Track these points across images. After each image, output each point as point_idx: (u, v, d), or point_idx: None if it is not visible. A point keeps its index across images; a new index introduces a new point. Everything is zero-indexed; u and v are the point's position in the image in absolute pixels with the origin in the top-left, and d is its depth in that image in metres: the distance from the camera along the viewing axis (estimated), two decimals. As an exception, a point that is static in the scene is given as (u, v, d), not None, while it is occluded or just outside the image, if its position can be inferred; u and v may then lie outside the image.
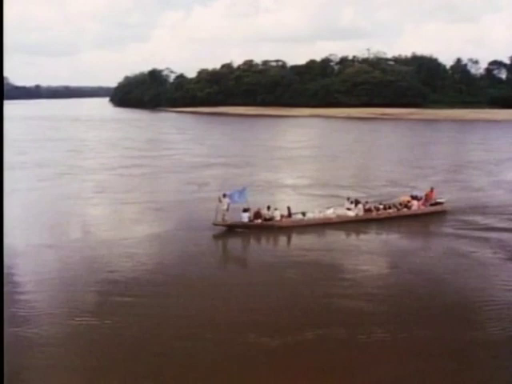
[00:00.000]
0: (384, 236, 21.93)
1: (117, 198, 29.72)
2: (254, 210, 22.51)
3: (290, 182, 34.56)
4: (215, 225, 21.83)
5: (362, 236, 21.94)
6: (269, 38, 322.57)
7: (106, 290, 15.57)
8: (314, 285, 16.00)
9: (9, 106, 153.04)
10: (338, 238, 21.62)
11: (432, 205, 25.47)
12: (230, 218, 22.22)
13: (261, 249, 20.91)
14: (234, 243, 21.59)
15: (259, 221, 22.29)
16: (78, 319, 13.66)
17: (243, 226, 22.17)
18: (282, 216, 22.60)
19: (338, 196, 27.56)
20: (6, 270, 17.14)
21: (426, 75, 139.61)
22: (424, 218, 24.62)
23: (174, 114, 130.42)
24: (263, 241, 21.44)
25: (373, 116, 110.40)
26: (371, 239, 21.69)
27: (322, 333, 12.78)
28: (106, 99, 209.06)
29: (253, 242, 21.45)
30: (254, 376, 11.15)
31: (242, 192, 22.38)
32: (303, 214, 22.89)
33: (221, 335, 12.66)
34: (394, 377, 11.10)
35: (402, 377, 11.14)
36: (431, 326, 13.19)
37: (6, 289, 14.96)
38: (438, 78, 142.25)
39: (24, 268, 17.80)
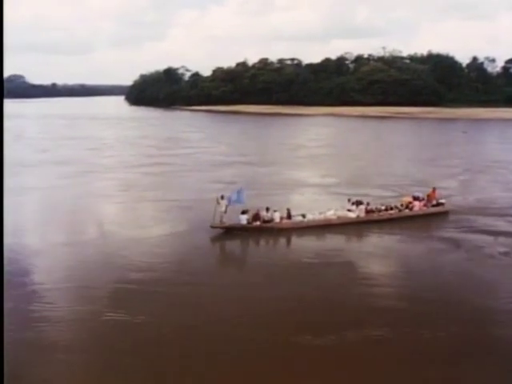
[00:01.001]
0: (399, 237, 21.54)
1: (141, 197, 29.69)
2: (252, 211, 21.97)
3: (317, 180, 34.24)
4: (213, 227, 21.31)
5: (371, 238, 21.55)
6: (284, 37, 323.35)
7: (131, 287, 15.58)
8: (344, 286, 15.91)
9: (26, 104, 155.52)
10: (345, 240, 21.28)
11: (434, 205, 25.08)
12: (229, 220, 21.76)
13: (272, 250, 20.69)
14: (237, 245, 21.26)
15: (258, 223, 21.73)
16: (109, 315, 13.74)
17: (242, 228, 21.55)
18: (281, 218, 22.07)
19: (368, 195, 27.08)
20: (30, 268, 17.51)
21: (441, 73, 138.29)
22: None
23: (189, 113, 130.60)
24: (268, 242, 21.08)
25: (388, 115, 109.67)
26: (382, 241, 21.28)
27: (365, 332, 12.74)
28: (122, 97, 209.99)
29: (256, 244, 21.04)
30: (299, 374, 11.05)
31: (239, 193, 21.86)
32: (303, 215, 22.35)
33: (267, 337, 12.54)
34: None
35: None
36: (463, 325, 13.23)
37: (33, 288, 15.31)
38: (454, 76, 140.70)
39: (48, 265, 17.90)
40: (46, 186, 32.79)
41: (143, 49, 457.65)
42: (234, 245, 21.29)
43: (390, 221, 23.28)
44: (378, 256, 18.97)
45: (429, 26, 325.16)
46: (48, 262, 18.26)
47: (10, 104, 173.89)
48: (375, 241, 21.17)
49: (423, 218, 24.33)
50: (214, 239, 21.14)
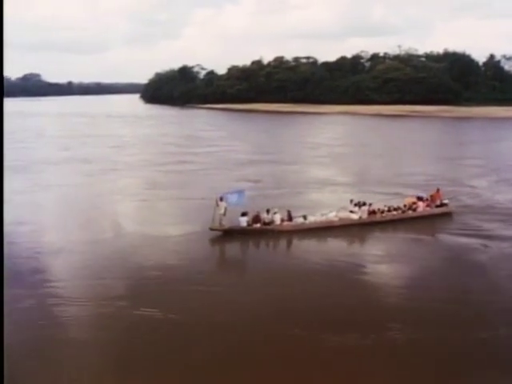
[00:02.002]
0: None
1: (167, 195, 29.71)
2: (252, 213, 21.53)
3: (344, 179, 34.08)
4: (212, 230, 20.84)
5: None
6: (299, 35, 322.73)
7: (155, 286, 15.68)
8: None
9: (43, 102, 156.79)
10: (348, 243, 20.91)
11: (438, 206, 24.62)
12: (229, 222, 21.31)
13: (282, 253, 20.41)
14: (237, 248, 20.92)
15: (258, 225, 21.30)
16: (140, 311, 13.87)
17: (241, 230, 21.07)
18: (282, 220, 21.62)
19: (401, 194, 26.89)
20: (51, 265, 17.68)
21: (458, 72, 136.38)
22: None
23: (204, 111, 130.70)
24: (268, 245, 20.68)
25: (403, 113, 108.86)
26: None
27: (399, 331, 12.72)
28: (137, 96, 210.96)
29: (257, 247, 20.65)
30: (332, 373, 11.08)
31: (240, 194, 21.43)
32: (304, 217, 21.91)
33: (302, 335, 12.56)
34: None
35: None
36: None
37: (53, 285, 15.39)
38: (471, 74, 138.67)
39: (71, 262, 18.00)
40: (71, 184, 32.96)
41: (158, 47, 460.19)
42: (234, 248, 20.85)
43: (393, 222, 22.89)
44: (386, 262, 18.26)
45: (445, 24, 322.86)
46: (71, 259, 18.33)
47: (27, 102, 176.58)
48: (381, 244, 20.64)
49: (429, 219, 23.77)
50: (214, 242, 20.67)
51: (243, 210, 21.32)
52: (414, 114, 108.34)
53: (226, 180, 33.34)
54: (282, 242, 20.84)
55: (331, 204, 23.33)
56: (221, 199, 21.04)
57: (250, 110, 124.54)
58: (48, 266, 17.63)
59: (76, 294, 15.14)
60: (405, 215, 23.31)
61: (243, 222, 21.08)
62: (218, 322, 13.24)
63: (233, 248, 20.70)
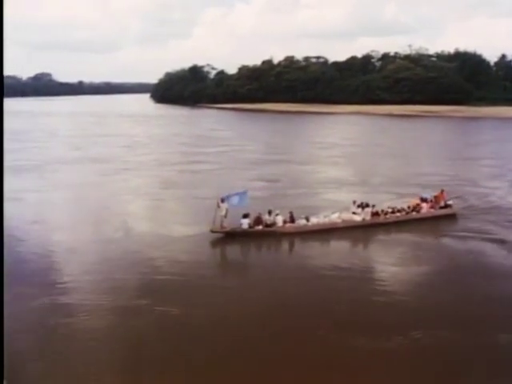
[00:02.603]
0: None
1: (183, 194, 29.57)
2: (254, 215, 21.08)
3: (360, 179, 33.79)
4: (213, 232, 20.38)
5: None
6: (309, 34, 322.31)
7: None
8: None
9: (54, 102, 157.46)
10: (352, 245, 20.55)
11: (442, 207, 24.17)
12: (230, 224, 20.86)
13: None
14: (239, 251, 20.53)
15: (260, 227, 20.86)
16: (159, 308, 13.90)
17: (243, 232, 20.65)
18: (284, 221, 21.20)
19: (418, 195, 26.43)
20: (66, 263, 17.66)
21: (469, 72, 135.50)
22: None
23: (215, 111, 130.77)
24: (270, 248, 20.34)
25: (414, 113, 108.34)
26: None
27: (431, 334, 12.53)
28: (147, 95, 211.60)
29: (258, 249, 20.34)
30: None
31: (242, 196, 20.95)
32: (307, 218, 21.50)
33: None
34: None
35: None
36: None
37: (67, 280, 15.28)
38: (482, 74, 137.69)
39: (85, 261, 17.98)
40: (85, 183, 32.90)
41: (168, 47, 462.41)
42: (235, 250, 20.49)
43: (397, 223, 22.50)
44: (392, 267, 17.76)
45: (456, 24, 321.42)
46: (84, 258, 18.29)
47: (38, 102, 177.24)
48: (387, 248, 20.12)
49: (434, 221, 23.36)
50: (214, 244, 20.26)
51: (245, 212, 20.90)
52: (425, 113, 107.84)
53: (240, 179, 33.11)
54: (284, 245, 20.47)
55: (350, 204, 22.91)
56: (222, 200, 20.56)
57: (260, 110, 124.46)
58: (61, 265, 17.60)
59: (88, 291, 15.15)
60: (408, 217, 22.96)
61: (245, 223, 20.67)
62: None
63: (234, 251, 20.39)
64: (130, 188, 31.73)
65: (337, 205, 23.08)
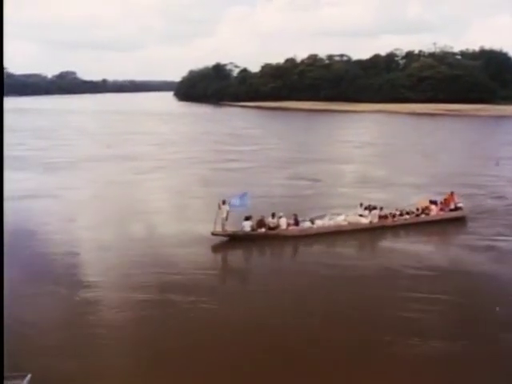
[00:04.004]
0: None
1: (223, 193, 29.18)
2: (256, 217, 20.32)
3: (404, 179, 33.12)
4: (214, 235, 19.61)
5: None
6: (333, 32, 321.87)
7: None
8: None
9: (79, 100, 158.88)
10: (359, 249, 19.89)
11: (452, 210, 23.36)
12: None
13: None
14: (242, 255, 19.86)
15: (263, 230, 20.13)
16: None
17: (245, 235, 20.00)
18: (288, 224, 20.47)
19: (469, 195, 25.92)
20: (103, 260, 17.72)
21: (494, 70, 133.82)
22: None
23: (238, 109, 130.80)
24: (273, 252, 19.75)
25: (438, 112, 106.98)
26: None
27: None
28: (170, 93, 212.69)
29: (262, 253, 19.80)
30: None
31: (242, 197, 20.18)
32: (312, 221, 20.81)
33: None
34: None
35: None
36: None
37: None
38: (507, 72, 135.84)
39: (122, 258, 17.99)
40: (124, 181, 32.88)
41: (192, 45, 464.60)
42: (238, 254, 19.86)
43: (405, 226, 21.82)
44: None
45: (481, 21, 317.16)
46: (120, 256, 18.23)
47: (64, 100, 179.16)
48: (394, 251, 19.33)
49: (442, 224, 22.66)
50: (216, 248, 19.62)
51: (247, 214, 20.22)
52: (450, 112, 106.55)
53: (278, 178, 32.93)
54: (288, 249, 19.87)
55: (399, 204, 22.52)
56: (223, 202, 19.96)
57: (283, 108, 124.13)
58: (96, 262, 17.68)
59: (120, 288, 15.25)
60: (417, 219, 22.23)
61: (247, 226, 19.99)
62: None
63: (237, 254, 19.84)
64: (167, 186, 31.68)
65: (385, 204, 22.52)
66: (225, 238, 19.95)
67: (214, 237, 19.56)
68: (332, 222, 20.99)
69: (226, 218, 19.81)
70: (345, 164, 39.73)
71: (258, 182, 31.56)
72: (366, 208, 21.76)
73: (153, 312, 13.58)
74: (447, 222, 22.74)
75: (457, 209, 23.47)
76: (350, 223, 21.13)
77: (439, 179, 32.16)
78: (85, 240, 20.18)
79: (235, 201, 20.01)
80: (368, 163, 40.49)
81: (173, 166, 39.25)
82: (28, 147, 49.12)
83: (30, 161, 40.40)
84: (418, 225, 22.04)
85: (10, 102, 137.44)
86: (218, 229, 19.63)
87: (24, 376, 8.55)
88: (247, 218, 20.00)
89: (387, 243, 20.19)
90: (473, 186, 29.44)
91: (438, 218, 22.69)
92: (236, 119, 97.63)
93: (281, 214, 20.59)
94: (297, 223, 20.64)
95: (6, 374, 7.73)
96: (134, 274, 16.24)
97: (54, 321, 13.07)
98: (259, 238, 19.93)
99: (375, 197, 25.03)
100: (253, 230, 20.06)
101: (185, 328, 12.80)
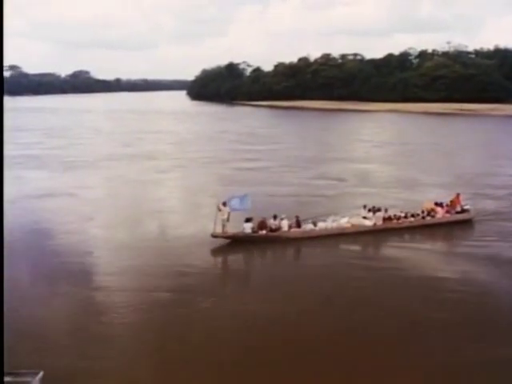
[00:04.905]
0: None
1: (251, 192, 28.82)
2: (257, 219, 19.91)
3: (430, 179, 32.64)
4: (214, 237, 19.26)
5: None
6: (346, 31, 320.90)
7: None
8: None
9: (93, 99, 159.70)
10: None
11: (458, 212, 22.70)
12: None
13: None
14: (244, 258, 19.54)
15: (264, 232, 19.76)
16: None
17: (246, 237, 19.62)
18: (290, 226, 20.06)
19: (490, 196, 25.37)
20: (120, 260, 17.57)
21: (509, 69, 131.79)
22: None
23: (252, 108, 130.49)
24: (275, 255, 19.40)
25: (454, 112, 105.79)
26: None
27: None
28: (183, 92, 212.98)
29: (263, 256, 19.39)
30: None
31: (242, 199, 19.73)
32: (314, 223, 20.42)
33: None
34: None
35: None
36: None
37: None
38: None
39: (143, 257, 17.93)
40: (147, 180, 32.67)
41: (205, 44, 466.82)
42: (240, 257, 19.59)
43: (410, 229, 21.27)
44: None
45: (496, 20, 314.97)
46: (138, 255, 18.11)
47: (78, 99, 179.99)
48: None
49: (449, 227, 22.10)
50: (216, 251, 19.20)
51: (248, 216, 19.78)
52: (464, 112, 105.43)
53: (303, 178, 32.53)
54: (290, 251, 19.49)
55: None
56: (224, 204, 19.53)
57: (296, 108, 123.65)
58: (113, 260, 17.61)
59: (135, 287, 15.26)
60: (423, 222, 21.66)
61: (248, 228, 19.62)
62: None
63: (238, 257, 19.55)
64: (189, 185, 31.52)
65: (414, 205, 22.05)
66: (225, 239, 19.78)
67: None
68: (335, 225, 20.60)
69: (228, 220, 19.48)
70: (369, 164, 39.23)
71: (284, 182, 31.18)
72: (369, 210, 21.30)
73: (163, 312, 13.58)
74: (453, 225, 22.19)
75: (463, 211, 22.88)
76: (353, 225, 20.77)
77: (467, 180, 31.62)
78: (101, 239, 20.21)
79: (235, 203, 19.62)
80: (390, 163, 40.10)
81: (193, 165, 38.99)
82: (44, 146, 49.17)
83: (46, 160, 40.39)
84: (424, 227, 21.51)
85: (25, 101, 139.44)
86: (218, 230, 19.33)
87: (36, 373, 8.50)
88: (248, 220, 19.72)
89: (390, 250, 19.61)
90: (497, 188, 28.75)
91: (444, 220, 22.21)
92: (250, 118, 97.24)
93: (283, 215, 20.23)
94: (299, 225, 20.30)
95: (18, 370, 8.22)
96: (149, 273, 16.22)
97: (70, 319, 13.13)
98: (260, 240, 19.63)
99: (404, 196, 24.50)
100: (254, 231, 19.74)
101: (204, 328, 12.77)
